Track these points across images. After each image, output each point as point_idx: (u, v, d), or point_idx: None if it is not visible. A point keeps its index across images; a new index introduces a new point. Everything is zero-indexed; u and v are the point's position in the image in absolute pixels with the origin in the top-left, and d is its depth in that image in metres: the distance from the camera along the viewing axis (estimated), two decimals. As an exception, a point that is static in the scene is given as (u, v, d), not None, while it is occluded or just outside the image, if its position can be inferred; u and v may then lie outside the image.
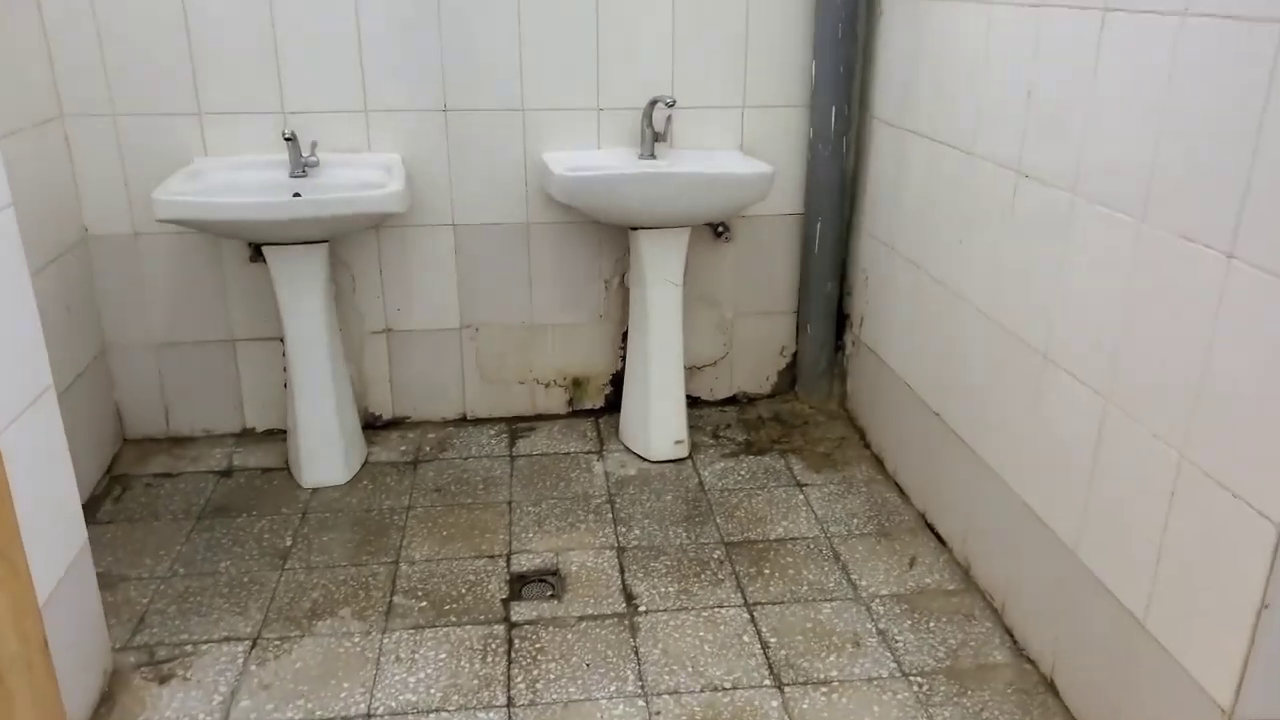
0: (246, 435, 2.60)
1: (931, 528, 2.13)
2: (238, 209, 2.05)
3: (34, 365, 1.51)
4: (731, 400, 2.81)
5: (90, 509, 2.24)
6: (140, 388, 2.52)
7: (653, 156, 2.46)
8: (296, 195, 2.28)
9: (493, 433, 2.64)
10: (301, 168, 2.31)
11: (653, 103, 2.41)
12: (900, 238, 2.32)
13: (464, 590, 1.94)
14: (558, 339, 2.67)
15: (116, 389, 2.51)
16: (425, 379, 2.65)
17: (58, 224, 2.24)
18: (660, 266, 2.40)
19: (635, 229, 2.37)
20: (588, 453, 2.53)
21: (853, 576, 1.97)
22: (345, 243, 2.48)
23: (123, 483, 2.37)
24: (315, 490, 2.35)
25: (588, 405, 2.75)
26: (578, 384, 2.73)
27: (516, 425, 2.68)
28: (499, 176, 2.49)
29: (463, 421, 2.70)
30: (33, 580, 1.25)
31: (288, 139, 2.25)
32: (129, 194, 2.35)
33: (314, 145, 2.33)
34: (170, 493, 2.32)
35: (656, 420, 2.47)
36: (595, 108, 2.47)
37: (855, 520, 2.18)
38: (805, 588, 1.94)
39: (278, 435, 2.59)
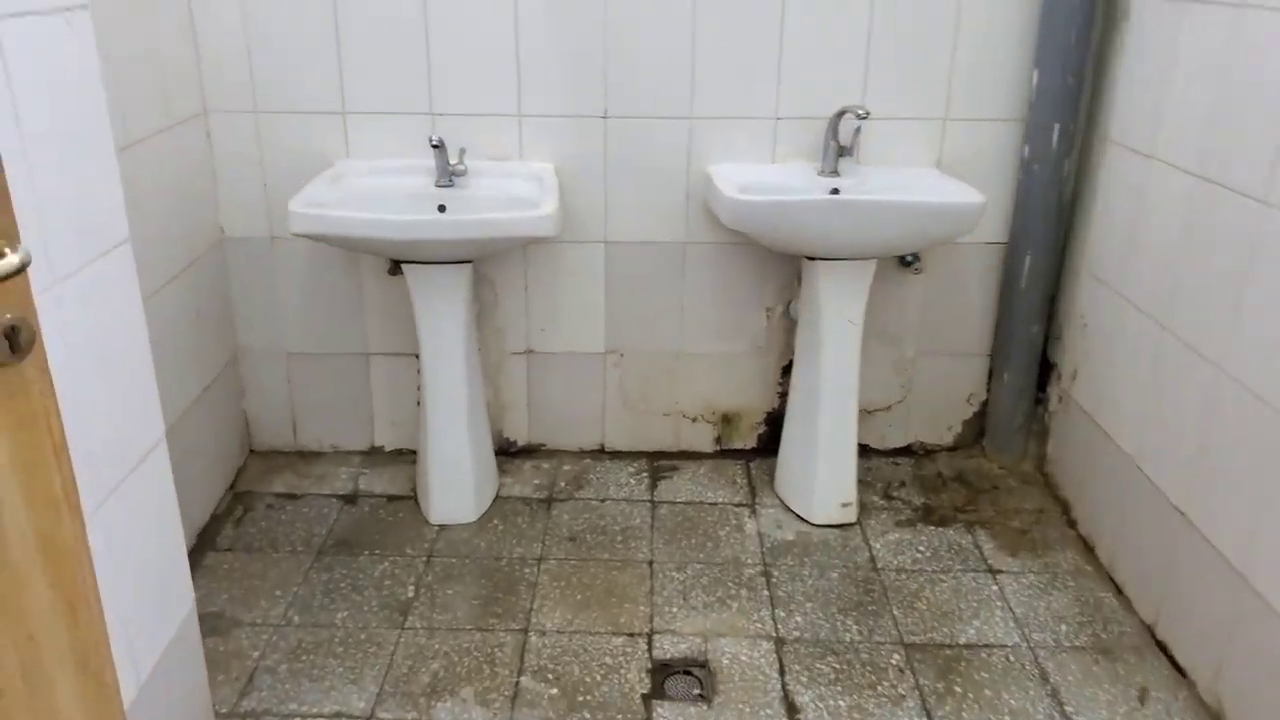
0: (374, 454, 2.44)
1: (1163, 647, 1.76)
2: (376, 226, 1.85)
3: (145, 419, 1.33)
4: (905, 451, 2.48)
5: (210, 531, 2.12)
6: (270, 398, 2.39)
7: (835, 173, 2.14)
8: (441, 209, 2.07)
9: (632, 470, 2.39)
10: (448, 176, 2.10)
11: (841, 113, 2.09)
12: (1135, 285, 1.93)
13: (600, 677, 1.70)
14: (709, 370, 2.40)
15: (246, 398, 2.39)
16: (565, 405, 2.42)
17: (196, 225, 2.11)
18: (838, 303, 2.08)
19: (812, 259, 2.07)
20: (738, 505, 2.25)
21: (1067, 709, 1.63)
22: (490, 257, 2.26)
23: (245, 501, 2.24)
24: (442, 528, 2.15)
25: (738, 445, 2.47)
26: (728, 420, 2.45)
27: (658, 463, 2.42)
28: (658, 191, 2.22)
29: (601, 453, 2.46)
30: (120, 692, 1.07)
31: (435, 145, 2.04)
32: (267, 196, 2.20)
33: (462, 152, 2.11)
34: (292, 518, 2.18)
35: (822, 477, 2.17)
36: (773, 116, 2.17)
37: (1064, 626, 1.83)
38: (1007, 718, 1.61)
39: (406, 456, 2.42)
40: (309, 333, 2.33)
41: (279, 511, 2.20)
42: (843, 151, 2.14)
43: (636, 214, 2.24)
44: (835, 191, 2.12)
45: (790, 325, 2.35)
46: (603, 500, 2.27)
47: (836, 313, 2.09)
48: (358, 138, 2.16)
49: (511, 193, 2.08)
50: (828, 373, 2.13)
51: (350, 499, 2.26)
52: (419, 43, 2.09)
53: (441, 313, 2.07)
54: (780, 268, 2.29)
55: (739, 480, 2.36)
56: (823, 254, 2.03)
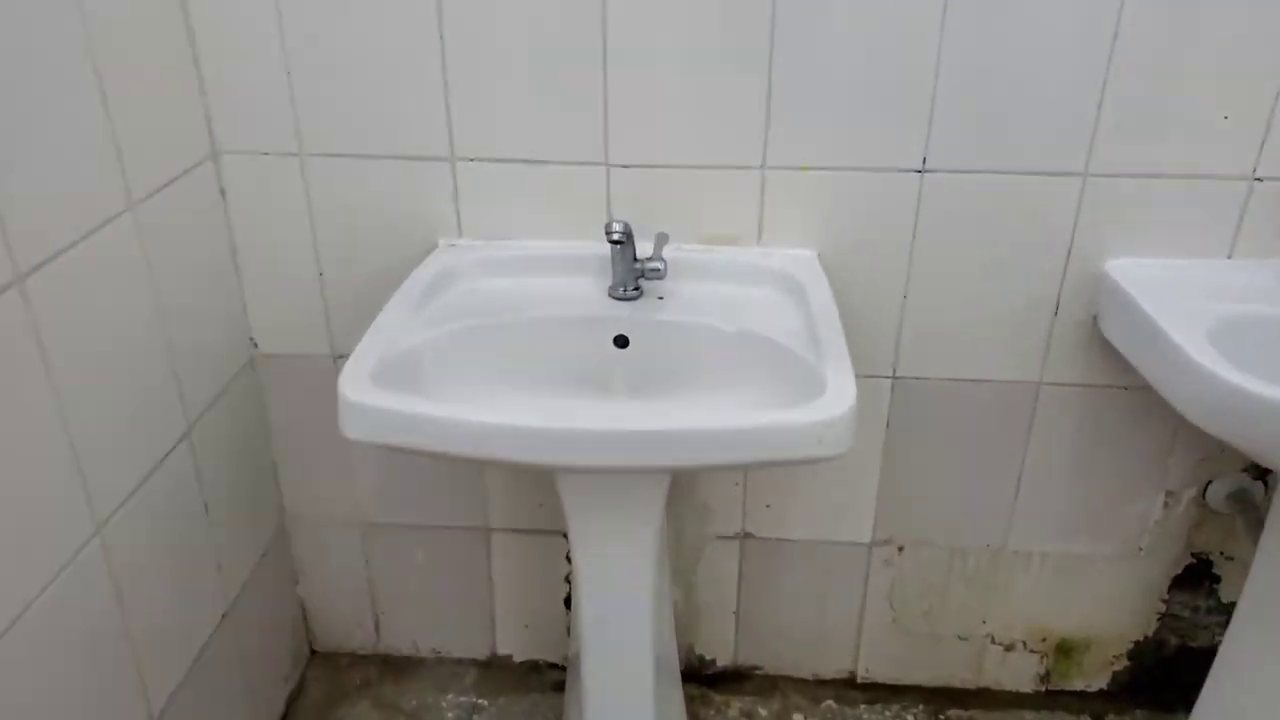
0: (497, 668, 1.58)
1: None
2: (494, 439, 0.91)
3: None
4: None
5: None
6: (337, 584, 1.55)
7: (1366, 288, 1.12)
8: (621, 343, 1.15)
9: (906, 725, 1.48)
10: (635, 280, 1.16)
11: None
12: None
13: None
14: (1045, 576, 1.44)
15: (302, 582, 1.55)
16: (796, 615, 1.50)
17: (208, 339, 1.24)
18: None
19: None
20: (1106, 832, 1.33)
21: None
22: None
23: (299, 766, 1.43)
24: None
25: (1077, 685, 1.52)
26: (1065, 651, 1.50)
27: (947, 712, 1.50)
28: (1002, 296, 1.24)
29: (850, 686, 1.55)
30: None
31: (615, 241, 1.10)
32: (325, 291, 1.31)
33: (661, 240, 1.17)
34: (369, 815, 1.35)
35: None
36: (1246, 175, 1.14)
37: None
38: None
39: (546, 674, 1.56)
40: (395, 496, 1.46)
41: (349, 793, 1.38)
42: (1392, 248, 1.11)
43: (957, 333, 1.27)
44: (1380, 331, 1.10)
45: (1201, 516, 1.37)
46: (866, 803, 1.37)
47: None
48: (476, 199, 1.23)
49: (747, 321, 1.11)
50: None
51: (460, 770, 1.42)
52: (589, 42, 1.12)
53: (610, 534, 1.16)
54: (1196, 434, 1.29)
55: (1086, 759, 1.43)
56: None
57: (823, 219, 1.20)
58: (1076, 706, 1.51)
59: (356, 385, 0.95)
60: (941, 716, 1.50)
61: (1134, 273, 1.17)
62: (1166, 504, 1.36)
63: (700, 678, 1.55)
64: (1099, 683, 1.51)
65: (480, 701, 1.53)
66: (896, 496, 1.39)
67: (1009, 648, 1.50)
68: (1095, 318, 1.23)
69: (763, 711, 1.51)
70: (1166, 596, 1.44)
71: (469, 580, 1.52)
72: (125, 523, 1.05)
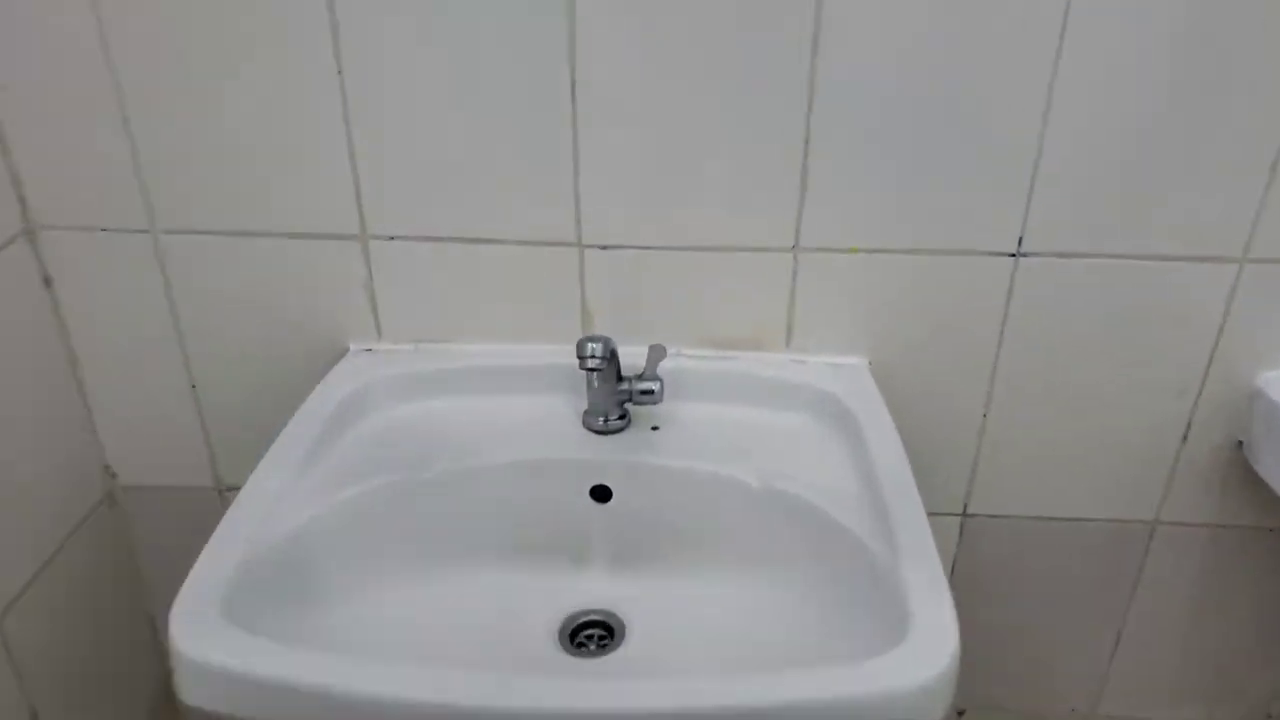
0: None
1: None
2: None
3: None
4: None
5: None
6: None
7: None
8: (600, 494, 0.82)
9: None
10: (619, 407, 0.84)
11: None
12: None
13: None
14: (1145, 745, 1.14)
15: (196, 754, 1.22)
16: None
17: (40, 478, 0.90)
18: None
19: None
20: None
21: None
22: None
23: None
24: None
25: None
26: (1165, 829, 1.20)
27: None
28: (1113, 417, 0.91)
29: None
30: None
31: (591, 368, 0.76)
32: (200, 406, 0.97)
33: (656, 355, 0.84)
34: None
35: None
36: None
37: None
38: None
39: None
40: (311, 652, 1.13)
41: None
42: None
43: (1050, 462, 0.94)
44: None
45: (1350, 679, 1.06)
46: None
47: None
48: (398, 291, 0.89)
49: (777, 470, 0.78)
50: None
51: None
52: (551, 69, 0.79)
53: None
54: (1368, 579, 0.99)
55: None
56: None
57: (876, 316, 0.88)
58: None
59: (193, 621, 0.62)
60: None
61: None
62: (1311, 665, 1.06)
63: None
64: None
65: None
66: (966, 660, 1.08)
67: (1094, 829, 1.19)
68: (1240, 444, 0.91)
69: None
70: (1297, 769, 1.14)
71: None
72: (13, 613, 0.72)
